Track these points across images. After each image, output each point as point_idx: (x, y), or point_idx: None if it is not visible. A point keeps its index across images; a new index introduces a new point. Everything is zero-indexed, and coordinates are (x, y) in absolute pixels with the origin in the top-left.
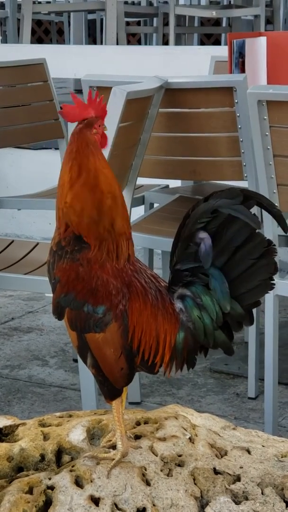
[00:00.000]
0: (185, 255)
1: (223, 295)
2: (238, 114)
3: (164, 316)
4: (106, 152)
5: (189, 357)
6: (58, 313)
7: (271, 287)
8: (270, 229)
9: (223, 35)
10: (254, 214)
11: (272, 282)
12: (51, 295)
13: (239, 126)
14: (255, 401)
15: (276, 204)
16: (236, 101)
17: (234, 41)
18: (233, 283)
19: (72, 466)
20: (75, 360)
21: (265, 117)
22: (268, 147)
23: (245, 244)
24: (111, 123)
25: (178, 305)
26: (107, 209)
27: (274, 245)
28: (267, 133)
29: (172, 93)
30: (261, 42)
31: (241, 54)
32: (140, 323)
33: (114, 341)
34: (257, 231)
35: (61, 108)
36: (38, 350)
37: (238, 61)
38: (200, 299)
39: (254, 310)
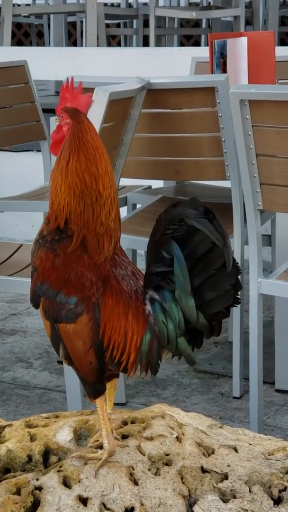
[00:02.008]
0: (156, 258)
1: (189, 305)
2: (220, 114)
3: (133, 316)
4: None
5: (153, 361)
6: (35, 302)
7: (235, 300)
8: (253, 227)
9: (202, 37)
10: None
11: (236, 296)
12: None
13: (222, 126)
14: (240, 400)
15: (228, 239)
16: (218, 101)
17: (215, 41)
18: (195, 291)
19: (60, 467)
20: (60, 362)
21: (247, 117)
22: (251, 146)
23: (208, 254)
24: (94, 124)
25: (148, 307)
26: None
27: (237, 262)
28: (249, 133)
29: (154, 94)
30: (242, 42)
31: (222, 55)
32: (111, 320)
33: (84, 334)
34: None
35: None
36: (22, 352)
37: (219, 61)
38: (166, 304)
39: (236, 313)
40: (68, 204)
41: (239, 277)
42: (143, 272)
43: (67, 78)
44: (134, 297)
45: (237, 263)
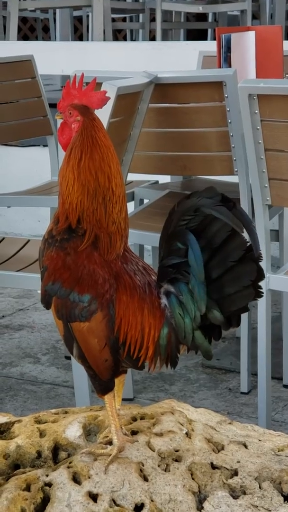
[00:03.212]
0: (170, 251)
1: (200, 296)
2: (228, 109)
3: (149, 310)
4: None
5: (172, 354)
6: (46, 302)
7: (257, 295)
8: (261, 223)
9: (209, 31)
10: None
11: (259, 290)
12: None
13: (229, 121)
14: (247, 396)
15: (253, 223)
16: (226, 95)
17: (223, 35)
18: (213, 285)
19: (70, 463)
20: (67, 357)
21: (256, 111)
22: (260, 141)
23: (225, 245)
24: (102, 119)
25: (163, 300)
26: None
27: (260, 251)
28: (258, 127)
29: (162, 88)
30: (250, 36)
31: (230, 49)
32: (126, 316)
33: (98, 331)
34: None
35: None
36: (29, 347)
37: (227, 56)
38: (182, 297)
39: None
40: (81, 203)
41: (261, 265)
42: (152, 267)
43: (75, 74)
44: (148, 292)
45: (260, 251)
